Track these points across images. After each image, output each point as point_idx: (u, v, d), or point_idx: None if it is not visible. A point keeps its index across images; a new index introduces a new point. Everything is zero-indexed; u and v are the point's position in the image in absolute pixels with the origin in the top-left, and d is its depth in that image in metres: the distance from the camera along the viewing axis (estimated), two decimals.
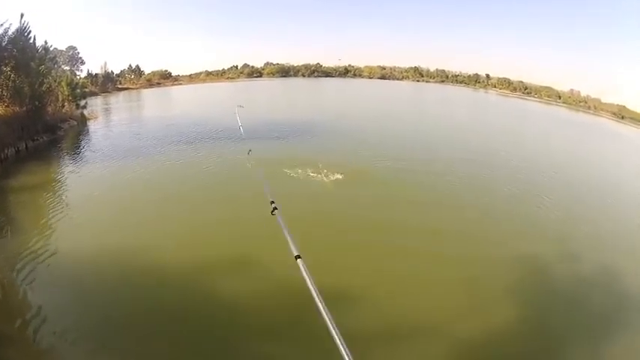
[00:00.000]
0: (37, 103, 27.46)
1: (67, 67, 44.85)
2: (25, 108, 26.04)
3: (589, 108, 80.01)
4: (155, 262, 13.79)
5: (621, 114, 77.15)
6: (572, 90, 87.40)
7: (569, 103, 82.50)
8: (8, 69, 25.78)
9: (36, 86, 27.75)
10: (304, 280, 2.61)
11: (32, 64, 28.04)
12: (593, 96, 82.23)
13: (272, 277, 12.71)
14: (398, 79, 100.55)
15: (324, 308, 2.40)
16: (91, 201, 19.24)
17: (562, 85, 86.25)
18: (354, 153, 26.73)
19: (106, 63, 56.27)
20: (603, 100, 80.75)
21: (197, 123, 36.60)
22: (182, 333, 10.73)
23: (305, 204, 19.24)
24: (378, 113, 47.20)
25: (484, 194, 21.61)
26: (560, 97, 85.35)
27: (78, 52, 52.73)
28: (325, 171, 22.34)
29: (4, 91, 25.36)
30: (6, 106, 24.72)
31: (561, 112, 73.02)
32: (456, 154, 28.80)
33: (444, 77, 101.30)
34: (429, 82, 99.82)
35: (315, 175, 21.91)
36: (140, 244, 15.20)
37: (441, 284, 13.25)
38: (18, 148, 23.41)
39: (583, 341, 11.46)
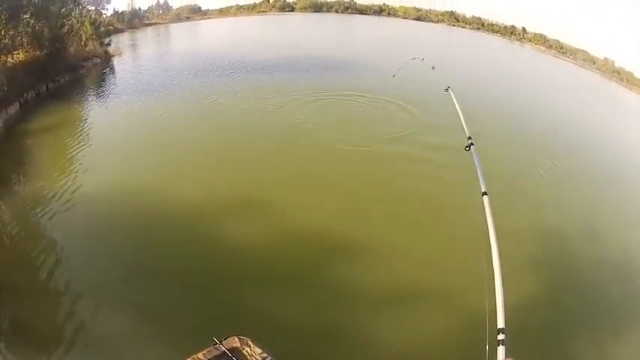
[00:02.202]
0: (57, 45, 28.18)
1: (92, 7, 44.74)
2: (45, 51, 26.84)
3: (621, 80, 77.98)
4: (173, 202, 14.18)
5: None
6: (606, 58, 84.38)
7: (603, 71, 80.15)
8: (27, 16, 26.17)
9: (56, 29, 28.41)
10: (485, 218, 2.56)
11: (52, 7, 28.53)
12: (627, 69, 79.74)
13: (292, 224, 13.49)
14: (433, 22, 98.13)
15: (498, 253, 2.36)
16: (112, 139, 19.70)
17: (597, 52, 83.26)
18: None
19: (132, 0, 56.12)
20: (636, 76, 78.34)
21: (226, 57, 36.17)
22: (191, 272, 11.32)
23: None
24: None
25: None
26: (594, 63, 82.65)
27: None
28: None
29: (23, 38, 26.09)
30: (25, 52, 25.79)
31: (595, 79, 71.35)
32: None
33: (479, 25, 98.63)
34: (464, 27, 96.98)
35: None
36: (159, 183, 15.62)
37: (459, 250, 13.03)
38: (38, 90, 24.60)
39: (593, 321, 11.90)
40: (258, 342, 7.58)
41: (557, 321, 12.29)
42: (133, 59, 38.50)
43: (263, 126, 22.00)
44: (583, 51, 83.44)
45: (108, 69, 33.93)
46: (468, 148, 3.59)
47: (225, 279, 11.21)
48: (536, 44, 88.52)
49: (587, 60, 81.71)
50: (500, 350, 1.92)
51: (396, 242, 13.79)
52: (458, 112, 4.57)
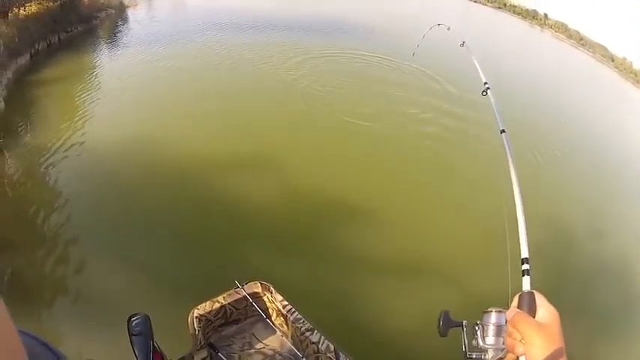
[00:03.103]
0: None
1: None
2: (59, 2, 26.61)
3: (638, 82, 77.66)
4: (181, 156, 14.37)
5: None
6: (625, 58, 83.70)
7: (621, 70, 78.97)
8: None
9: None
10: (506, 156, 2.58)
11: None
12: None
13: (295, 185, 13.96)
14: None
15: (518, 185, 2.37)
16: (120, 89, 19.74)
17: (617, 50, 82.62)
18: None
19: None
20: None
21: (242, 13, 35.86)
22: (197, 227, 11.64)
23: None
24: None
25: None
26: (613, 60, 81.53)
27: None
28: None
29: None
30: (39, 4, 25.46)
31: (613, 76, 70.10)
32: None
33: (501, 4, 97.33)
34: (485, 5, 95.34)
35: None
36: (169, 135, 15.77)
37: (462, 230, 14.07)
38: (50, 41, 24.52)
39: (592, 311, 12.20)
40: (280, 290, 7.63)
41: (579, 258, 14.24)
42: (147, 11, 38.07)
43: (276, 82, 22.57)
44: (602, 46, 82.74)
45: (122, 20, 33.73)
46: (484, 93, 3.60)
47: (232, 235, 11.44)
48: (556, 32, 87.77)
49: (606, 56, 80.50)
50: (525, 281, 1.82)
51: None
52: (475, 65, 4.64)
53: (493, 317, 1.55)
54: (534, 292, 1.66)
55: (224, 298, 7.23)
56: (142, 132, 15.76)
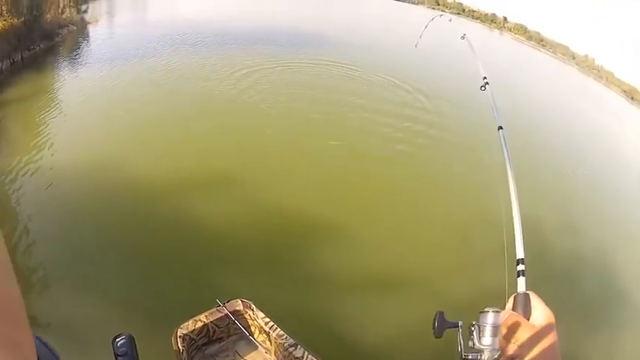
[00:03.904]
0: (35, 12, 27.33)
1: None
2: (23, 19, 26.06)
3: (600, 78, 79.39)
4: (147, 177, 13.94)
5: (632, 95, 76.09)
6: (586, 55, 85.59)
7: (582, 67, 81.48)
8: None
9: None
10: (502, 154, 2.48)
11: None
12: (606, 68, 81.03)
13: (262, 202, 13.69)
14: (413, 4, 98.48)
15: (514, 184, 2.27)
16: (81, 110, 19.21)
17: (578, 48, 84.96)
18: None
19: None
20: (617, 75, 79.62)
21: (200, 29, 35.95)
22: (160, 250, 11.19)
23: None
24: None
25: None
26: (574, 58, 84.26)
27: None
28: None
29: (2, 6, 25.36)
30: (4, 20, 24.96)
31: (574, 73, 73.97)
32: None
33: (460, 10, 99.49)
34: (444, 11, 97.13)
35: None
36: (132, 155, 15.44)
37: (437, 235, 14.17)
38: (13, 59, 23.97)
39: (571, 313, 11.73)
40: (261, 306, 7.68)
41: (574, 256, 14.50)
42: (108, 27, 37.92)
43: (237, 100, 22.24)
44: (563, 45, 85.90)
45: (83, 37, 33.45)
46: (483, 88, 3.55)
47: (197, 257, 11.20)
48: (516, 34, 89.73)
49: (567, 55, 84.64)
50: (521, 282, 1.79)
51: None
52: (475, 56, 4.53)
53: (490, 317, 1.53)
54: (530, 293, 1.66)
55: (206, 316, 7.31)
56: (105, 154, 15.35)
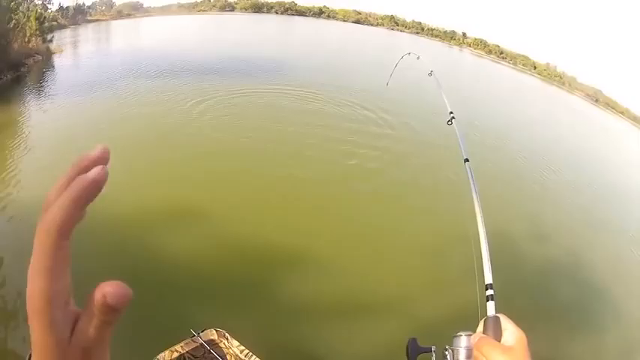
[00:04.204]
0: (2, 41, 27.23)
1: (39, 1, 43.98)
2: None
3: (563, 84, 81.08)
4: (115, 210, 12.51)
5: (596, 97, 78.57)
6: (548, 64, 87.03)
7: (544, 76, 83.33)
8: None
9: (3, 24, 27.46)
10: (468, 184, 2.52)
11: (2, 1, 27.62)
12: (569, 74, 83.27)
13: (226, 234, 13.27)
14: (373, 25, 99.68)
15: (481, 219, 2.28)
16: (51, 143, 18.71)
17: (539, 57, 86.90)
18: None
19: None
20: (579, 80, 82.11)
21: (163, 58, 35.67)
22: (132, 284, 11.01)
23: None
24: None
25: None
26: (535, 68, 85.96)
27: None
28: None
29: None
30: None
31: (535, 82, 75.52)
32: None
33: (419, 29, 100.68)
34: (403, 31, 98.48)
35: None
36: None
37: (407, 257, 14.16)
38: None
39: (545, 323, 11.95)
40: (235, 336, 7.73)
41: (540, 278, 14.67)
42: (74, 57, 37.96)
43: (202, 133, 21.71)
44: (523, 56, 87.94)
45: (48, 67, 33.10)
46: (450, 122, 3.58)
47: (168, 291, 10.80)
48: (475, 49, 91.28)
49: (528, 65, 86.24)
50: (490, 306, 1.80)
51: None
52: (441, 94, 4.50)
53: (463, 341, 1.59)
54: (499, 315, 1.67)
55: (182, 347, 7.43)
56: None
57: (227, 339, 7.78)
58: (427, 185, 19.76)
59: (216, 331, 7.81)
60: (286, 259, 12.98)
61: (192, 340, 7.55)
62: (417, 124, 27.51)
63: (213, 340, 7.70)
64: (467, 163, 2.85)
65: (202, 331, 7.68)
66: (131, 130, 20.90)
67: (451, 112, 3.61)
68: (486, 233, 2.14)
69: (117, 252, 11.70)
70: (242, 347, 7.65)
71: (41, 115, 22.68)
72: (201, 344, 7.47)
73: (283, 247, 13.43)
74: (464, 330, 1.62)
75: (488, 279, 1.98)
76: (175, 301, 10.44)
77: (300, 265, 12.81)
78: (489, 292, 1.89)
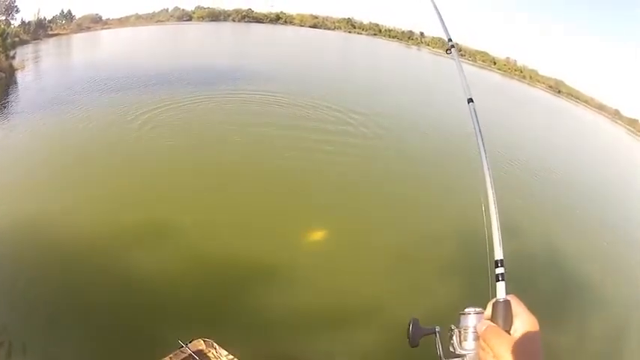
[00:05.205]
0: None
1: (3, 17, 44.01)
2: None
3: (524, 77, 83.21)
4: (73, 232, 13.35)
5: (558, 88, 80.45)
6: (508, 58, 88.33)
7: (504, 71, 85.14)
8: None
9: None
10: (473, 126, 2.32)
11: None
12: (530, 67, 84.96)
13: (193, 252, 13.24)
14: (330, 29, 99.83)
15: (486, 160, 2.14)
16: (15, 160, 18.79)
17: (498, 52, 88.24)
18: None
19: (39, 9, 54.81)
20: (540, 73, 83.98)
21: (121, 71, 34.84)
22: (95, 312, 10.67)
23: None
24: None
25: None
26: (495, 64, 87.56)
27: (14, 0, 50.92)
28: None
29: None
30: None
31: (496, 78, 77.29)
32: None
33: (376, 31, 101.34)
34: (361, 34, 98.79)
35: None
36: (60, 208, 14.78)
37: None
38: None
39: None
40: (222, 344, 7.80)
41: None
42: (36, 73, 37.89)
43: (165, 148, 21.45)
44: (482, 52, 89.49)
45: (11, 85, 32.83)
46: (449, 51, 3.46)
47: (142, 310, 10.84)
48: (433, 48, 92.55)
49: (487, 61, 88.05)
50: (500, 286, 1.66)
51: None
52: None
53: (471, 319, 1.56)
54: (511, 298, 1.59)
55: (170, 358, 7.48)
56: (40, 209, 14.63)
57: (215, 349, 7.90)
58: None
59: (204, 341, 7.93)
60: (267, 269, 13.07)
61: (180, 351, 7.66)
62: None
63: (201, 351, 7.80)
64: (471, 103, 2.64)
65: (190, 342, 7.85)
66: (87, 149, 20.49)
67: (450, 40, 3.58)
68: (496, 202, 2.02)
69: (95, 274, 11.82)
70: (231, 356, 7.77)
71: (4, 135, 22.33)
72: (190, 355, 7.58)
73: (262, 257, 13.53)
74: (473, 306, 1.60)
75: (499, 254, 1.82)
76: (159, 316, 10.57)
77: (282, 273, 13.05)
78: (499, 270, 1.76)
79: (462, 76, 2.89)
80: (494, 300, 1.63)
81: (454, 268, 12.94)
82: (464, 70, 2.95)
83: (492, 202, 2.06)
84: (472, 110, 2.56)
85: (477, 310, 1.64)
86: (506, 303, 1.57)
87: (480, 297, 1.72)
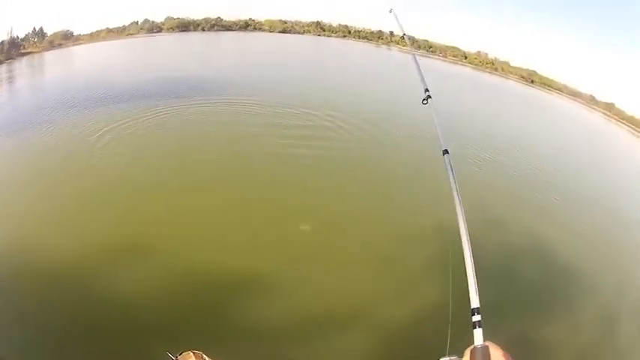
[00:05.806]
0: None
1: None
2: None
3: (496, 69, 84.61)
4: (51, 255, 13.31)
5: (531, 78, 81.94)
6: (479, 52, 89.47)
7: (476, 64, 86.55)
8: None
9: None
10: (447, 176, 2.40)
11: None
12: (501, 59, 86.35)
13: (177, 270, 13.23)
14: (299, 34, 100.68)
15: (461, 210, 2.23)
16: None
17: (469, 46, 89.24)
18: None
19: (12, 28, 55.36)
20: (512, 64, 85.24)
21: (95, 88, 34.24)
22: (93, 325, 10.88)
23: None
24: None
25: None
26: (466, 58, 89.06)
27: None
28: None
29: None
30: None
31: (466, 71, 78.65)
32: None
33: (346, 32, 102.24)
34: (330, 36, 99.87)
35: None
36: (35, 231, 14.74)
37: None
38: None
39: (511, 317, 13.00)
40: (212, 356, 7.76)
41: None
42: (9, 93, 37.67)
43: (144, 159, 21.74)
44: (453, 47, 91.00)
45: None
46: (425, 101, 3.54)
47: (131, 324, 11.01)
48: (404, 46, 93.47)
49: (458, 55, 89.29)
50: (477, 333, 1.73)
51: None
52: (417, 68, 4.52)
53: None
54: (488, 345, 1.67)
55: None
56: (14, 233, 14.63)
57: None
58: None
59: (194, 353, 7.60)
60: (253, 279, 13.37)
61: None
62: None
63: None
64: (446, 154, 2.69)
65: (180, 354, 7.58)
66: (61, 167, 20.52)
67: (427, 90, 3.59)
68: (472, 255, 2.05)
69: (79, 291, 11.98)
70: None
71: None
72: None
73: (247, 267, 13.83)
74: (450, 355, 1.71)
75: (475, 302, 1.88)
76: (148, 330, 10.86)
77: (268, 283, 13.35)
78: (476, 317, 1.84)
79: (439, 129, 3.05)
80: (472, 347, 1.77)
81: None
82: (436, 121, 3.21)
83: (468, 255, 2.14)
84: (447, 162, 2.66)
85: (452, 358, 1.82)
86: (485, 349, 1.71)
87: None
